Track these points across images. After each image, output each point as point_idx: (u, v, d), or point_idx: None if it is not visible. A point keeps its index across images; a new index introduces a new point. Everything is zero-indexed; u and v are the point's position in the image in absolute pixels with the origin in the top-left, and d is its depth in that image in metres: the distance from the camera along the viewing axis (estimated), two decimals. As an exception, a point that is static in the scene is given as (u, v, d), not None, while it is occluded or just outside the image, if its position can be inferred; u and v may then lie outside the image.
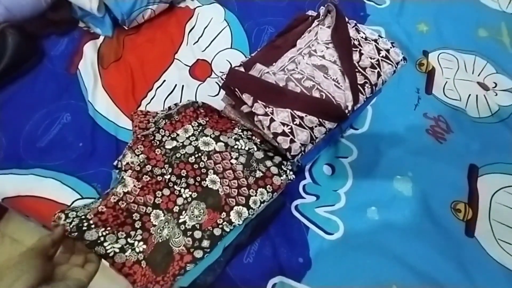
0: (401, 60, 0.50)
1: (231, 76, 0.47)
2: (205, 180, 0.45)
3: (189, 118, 0.52)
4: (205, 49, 0.73)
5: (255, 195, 0.44)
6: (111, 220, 0.42)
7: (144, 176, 0.46)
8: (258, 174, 0.45)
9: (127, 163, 0.46)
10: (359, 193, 0.57)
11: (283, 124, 0.44)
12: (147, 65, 0.70)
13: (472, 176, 0.59)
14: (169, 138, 0.50)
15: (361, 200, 0.56)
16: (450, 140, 0.63)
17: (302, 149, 0.45)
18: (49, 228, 0.58)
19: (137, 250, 0.42)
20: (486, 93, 0.70)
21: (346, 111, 0.46)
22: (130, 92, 0.66)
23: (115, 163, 0.48)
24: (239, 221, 0.42)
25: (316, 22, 0.55)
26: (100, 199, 0.44)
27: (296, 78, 0.47)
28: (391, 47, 0.49)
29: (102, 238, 0.40)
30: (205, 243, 0.41)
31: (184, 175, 0.45)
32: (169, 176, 0.46)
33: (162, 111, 0.57)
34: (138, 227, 0.43)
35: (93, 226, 0.40)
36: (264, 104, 0.45)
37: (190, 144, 0.48)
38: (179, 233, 0.42)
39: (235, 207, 0.43)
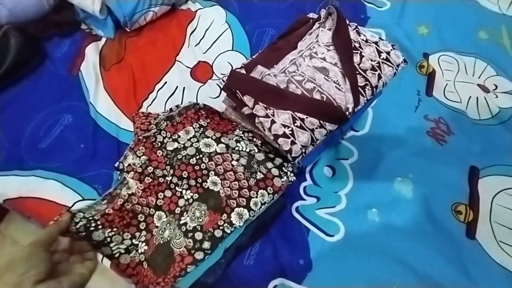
0: (402, 62, 0.50)
1: (232, 78, 0.48)
2: (206, 182, 0.45)
3: (190, 120, 0.52)
4: (206, 51, 0.73)
5: (256, 197, 0.44)
6: (117, 221, 0.42)
7: (146, 177, 0.46)
8: (259, 175, 0.45)
9: (129, 165, 0.46)
10: (360, 195, 0.57)
11: (284, 126, 0.44)
12: (148, 67, 0.70)
13: (473, 178, 0.59)
14: (171, 139, 0.50)
15: (361, 202, 0.56)
16: (450, 142, 0.63)
17: (303, 151, 0.45)
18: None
19: (139, 251, 0.42)
20: (486, 95, 0.70)
21: (347, 113, 0.46)
22: (132, 93, 0.66)
23: (116, 165, 0.49)
24: (240, 223, 0.42)
25: (317, 25, 0.55)
26: (105, 200, 0.44)
27: (297, 80, 0.47)
28: (391, 50, 0.50)
29: (108, 239, 0.41)
30: (206, 245, 0.41)
31: (185, 176, 0.46)
32: (170, 177, 0.46)
33: (163, 112, 0.57)
34: (142, 228, 0.43)
35: (100, 226, 0.40)
36: (265, 106, 0.45)
37: (191, 145, 0.48)
38: (180, 235, 0.42)
39: (236, 209, 0.43)
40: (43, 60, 0.69)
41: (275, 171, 0.46)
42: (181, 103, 0.62)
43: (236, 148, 0.48)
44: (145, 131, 0.51)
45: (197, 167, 0.46)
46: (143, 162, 0.47)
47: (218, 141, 0.48)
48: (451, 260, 0.52)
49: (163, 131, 0.51)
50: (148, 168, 0.47)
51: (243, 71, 0.50)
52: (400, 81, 0.69)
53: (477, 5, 0.84)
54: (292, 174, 0.47)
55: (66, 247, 0.38)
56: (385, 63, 0.49)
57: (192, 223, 0.42)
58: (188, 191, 0.45)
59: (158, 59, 0.72)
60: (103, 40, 0.73)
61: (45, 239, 0.35)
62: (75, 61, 0.69)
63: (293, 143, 0.44)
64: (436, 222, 0.55)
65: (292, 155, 0.44)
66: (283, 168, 0.47)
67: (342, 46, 0.49)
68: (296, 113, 0.45)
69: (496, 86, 0.71)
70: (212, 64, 0.72)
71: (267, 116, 0.45)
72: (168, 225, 0.43)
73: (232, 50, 0.74)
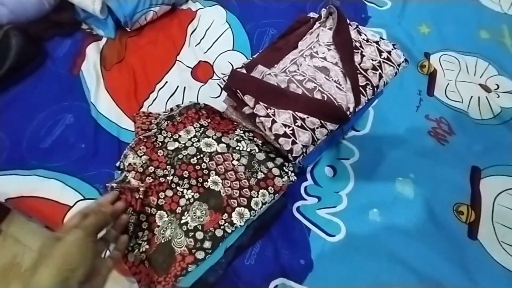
0: (403, 61, 0.50)
1: (232, 78, 0.48)
2: (207, 181, 0.45)
3: (191, 120, 0.52)
4: (207, 50, 0.73)
5: (257, 197, 0.44)
6: None
7: (147, 177, 0.46)
8: (260, 175, 0.45)
9: (130, 164, 0.46)
10: (361, 195, 0.57)
11: (285, 125, 0.44)
12: (149, 66, 0.70)
13: (475, 178, 0.59)
14: (171, 139, 0.50)
15: (362, 202, 0.56)
16: (452, 142, 0.63)
17: (304, 150, 0.45)
18: (52, 229, 0.58)
19: (141, 250, 0.42)
20: (488, 95, 0.70)
21: (348, 112, 0.46)
22: (132, 93, 0.66)
23: (117, 164, 0.49)
24: (240, 222, 0.42)
25: (317, 24, 0.55)
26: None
27: (298, 80, 0.47)
28: (392, 49, 0.49)
29: None
30: (207, 244, 0.41)
31: (186, 176, 0.46)
32: (171, 177, 0.46)
33: (164, 112, 0.57)
34: (145, 227, 0.43)
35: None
36: (265, 105, 0.45)
37: (192, 145, 0.48)
38: (181, 234, 0.42)
39: (237, 208, 0.43)
40: (44, 60, 0.69)
41: (276, 171, 0.46)
42: (182, 103, 0.62)
43: (237, 148, 0.48)
44: (146, 130, 0.51)
45: (198, 167, 0.46)
46: (144, 162, 0.47)
47: (219, 140, 0.48)
48: (453, 260, 0.51)
49: (164, 131, 0.51)
50: (149, 168, 0.47)
51: (244, 71, 0.50)
52: (401, 81, 0.69)
53: (479, 4, 0.84)
54: (293, 174, 0.47)
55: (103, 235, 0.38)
56: (386, 63, 0.49)
57: (193, 223, 0.42)
58: (189, 191, 0.45)
59: (158, 59, 0.72)
60: (104, 40, 0.73)
61: (94, 226, 0.34)
62: (76, 61, 0.70)
63: (294, 142, 0.44)
64: (438, 223, 0.55)
65: (293, 155, 0.44)
66: (284, 168, 0.47)
67: (343, 45, 0.49)
68: (296, 112, 0.45)
69: (498, 86, 0.71)
70: (213, 63, 0.72)
71: (267, 115, 0.45)
72: (169, 224, 0.44)
73: (232, 50, 0.74)
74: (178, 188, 0.45)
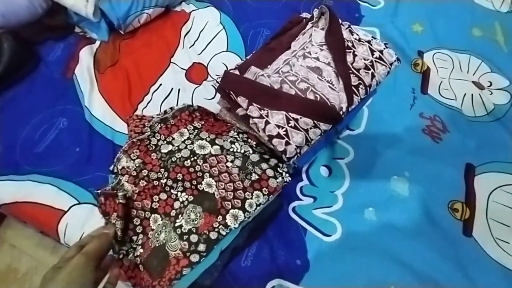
0: (395, 61, 0.50)
1: (225, 79, 0.48)
2: (201, 184, 0.45)
3: (185, 122, 0.52)
4: (201, 52, 0.73)
5: (251, 198, 0.44)
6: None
7: (141, 181, 0.46)
8: (254, 176, 0.45)
9: (123, 167, 0.46)
10: (356, 194, 0.57)
11: (278, 126, 0.44)
12: (143, 69, 0.70)
13: (469, 175, 0.59)
14: (165, 142, 0.50)
15: (358, 201, 0.56)
16: (446, 140, 0.63)
17: (298, 151, 0.45)
18: (47, 234, 0.58)
19: (136, 254, 0.42)
20: (481, 92, 0.70)
21: (341, 112, 0.46)
22: (127, 96, 0.66)
23: (111, 168, 0.48)
24: (235, 224, 0.42)
25: (310, 24, 0.55)
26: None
27: (291, 81, 0.47)
28: (384, 48, 0.50)
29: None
30: (201, 247, 0.41)
31: (180, 179, 0.46)
32: (165, 180, 0.46)
33: (157, 115, 0.57)
34: (139, 231, 0.43)
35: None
36: (259, 106, 0.45)
37: (185, 147, 0.48)
38: (175, 237, 0.42)
39: (231, 210, 0.43)
40: (37, 64, 0.69)
41: (270, 172, 0.46)
42: (177, 105, 0.61)
43: (231, 150, 0.48)
44: (139, 133, 0.51)
45: (191, 169, 0.46)
46: (137, 165, 0.47)
47: (212, 142, 0.48)
48: (448, 257, 0.52)
49: (157, 134, 0.50)
50: (142, 171, 0.47)
51: (237, 72, 0.50)
52: (395, 80, 0.69)
53: (471, 2, 0.84)
54: (287, 175, 0.47)
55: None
56: (378, 62, 0.49)
57: (187, 226, 0.42)
58: (183, 194, 0.45)
59: (152, 61, 0.72)
60: (97, 43, 0.73)
61: (98, 251, 0.36)
62: (69, 64, 0.69)
63: (287, 143, 0.44)
64: (433, 220, 0.55)
65: (287, 156, 0.44)
66: (278, 169, 0.47)
67: (335, 45, 0.49)
68: (290, 113, 0.45)
69: (491, 83, 0.71)
70: (207, 65, 0.72)
71: (261, 117, 0.45)
72: (163, 227, 0.43)
73: (226, 51, 0.74)
74: (172, 191, 0.45)
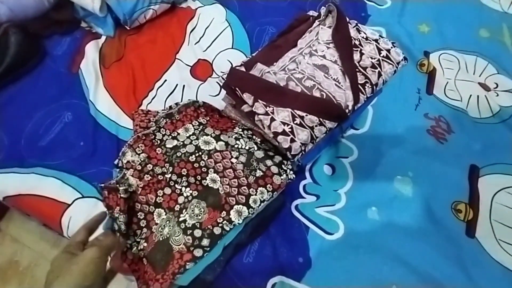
0: (402, 60, 0.50)
1: (232, 76, 0.48)
2: (206, 179, 0.45)
3: (190, 117, 0.52)
4: (206, 49, 0.73)
5: (255, 194, 0.44)
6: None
7: (146, 175, 0.46)
8: (258, 173, 0.45)
9: (128, 162, 0.46)
10: (360, 193, 0.57)
11: (284, 123, 0.44)
12: (148, 65, 0.70)
13: (473, 177, 0.59)
14: (170, 137, 0.50)
15: (361, 200, 0.56)
16: (451, 141, 0.63)
17: (303, 148, 0.45)
18: (50, 227, 0.58)
19: (139, 247, 0.42)
20: (487, 93, 0.70)
21: (347, 110, 0.46)
22: (132, 91, 0.66)
23: (115, 162, 0.49)
24: (239, 220, 0.42)
25: (317, 22, 0.55)
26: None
27: (297, 78, 0.47)
28: (391, 47, 0.49)
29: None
30: (205, 242, 0.41)
31: (184, 174, 0.46)
32: (170, 175, 0.46)
33: (163, 110, 0.57)
34: (143, 225, 0.43)
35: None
36: (264, 103, 0.45)
37: (190, 143, 0.48)
38: (179, 232, 0.42)
39: (235, 206, 0.43)
40: (43, 58, 0.69)
41: (274, 169, 0.46)
42: (181, 101, 0.61)
43: (236, 146, 0.48)
44: (145, 128, 0.51)
45: (196, 165, 0.46)
46: (142, 159, 0.47)
47: (217, 138, 0.48)
48: (451, 258, 0.52)
49: (162, 129, 0.51)
50: (147, 166, 0.47)
51: (243, 69, 0.50)
52: (401, 80, 0.69)
53: (478, 3, 0.84)
54: (291, 172, 0.47)
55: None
56: (385, 61, 0.49)
57: (191, 220, 0.42)
58: (188, 189, 0.45)
59: (158, 57, 0.72)
60: (103, 38, 0.73)
61: (114, 246, 0.36)
62: (75, 59, 0.69)
63: (292, 140, 0.44)
64: (436, 221, 0.55)
65: (292, 153, 0.44)
66: (283, 166, 0.47)
67: (342, 43, 0.49)
68: (295, 110, 0.45)
69: (497, 85, 0.71)
70: (212, 62, 0.72)
71: (266, 113, 0.45)
72: (167, 222, 0.44)
73: (232, 48, 0.74)
74: (176, 186, 0.45)
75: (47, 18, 0.71)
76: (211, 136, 0.49)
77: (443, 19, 0.80)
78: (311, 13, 0.58)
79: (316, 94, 0.46)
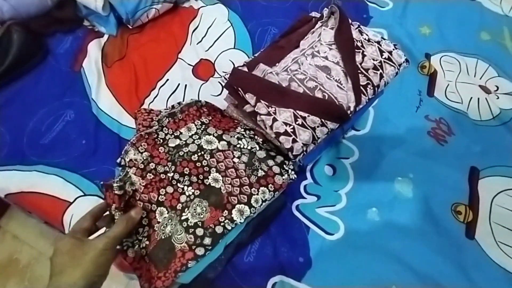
0: (404, 62, 0.50)
1: (234, 76, 0.48)
2: (208, 178, 0.45)
3: (192, 117, 0.52)
4: (209, 49, 0.74)
5: (257, 194, 0.44)
6: None
7: (148, 174, 0.46)
8: (260, 173, 0.46)
9: (131, 160, 0.46)
10: (360, 194, 0.57)
11: (286, 124, 0.44)
12: (150, 64, 0.71)
13: (473, 179, 0.59)
14: (173, 136, 0.50)
15: (362, 201, 0.57)
16: (451, 143, 0.63)
17: (304, 149, 0.45)
18: (51, 225, 0.58)
19: (141, 245, 0.42)
20: (487, 96, 0.70)
21: (348, 111, 0.46)
22: (134, 90, 0.66)
23: (118, 160, 0.49)
24: (240, 219, 0.43)
25: (319, 23, 0.55)
26: None
27: (299, 79, 0.48)
28: (393, 49, 0.50)
29: None
30: (207, 241, 0.41)
31: (187, 173, 0.46)
32: (172, 174, 0.46)
33: (165, 109, 0.57)
34: (145, 224, 0.44)
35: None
36: (266, 104, 0.45)
37: (193, 142, 0.48)
38: (181, 230, 0.42)
39: (237, 206, 0.43)
40: (46, 56, 0.69)
41: (276, 169, 0.46)
42: (183, 101, 0.62)
43: (238, 146, 0.48)
44: (147, 127, 0.51)
45: (198, 164, 0.46)
46: (145, 158, 0.47)
47: (219, 138, 0.49)
48: (450, 260, 0.52)
49: (165, 128, 0.51)
50: (150, 164, 0.47)
51: (245, 69, 0.50)
52: (402, 81, 0.69)
53: (480, 6, 0.84)
54: (293, 172, 0.47)
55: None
56: (387, 63, 0.49)
57: (193, 219, 0.43)
58: (190, 188, 0.45)
59: (160, 56, 0.72)
60: (106, 37, 0.73)
61: (124, 236, 0.37)
62: (77, 57, 0.70)
63: (294, 141, 0.44)
64: (436, 222, 0.55)
65: (293, 153, 0.45)
66: (284, 166, 0.47)
67: (345, 45, 0.49)
68: (297, 111, 0.45)
69: (498, 87, 0.71)
70: (214, 62, 0.72)
71: (268, 114, 0.45)
72: (169, 220, 0.44)
73: (234, 48, 0.74)
74: (178, 184, 0.46)
75: (49, 16, 0.71)
76: (214, 136, 0.49)
77: (444, 21, 0.81)
78: (313, 14, 0.58)
79: (318, 95, 0.46)
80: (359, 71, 0.48)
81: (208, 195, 0.44)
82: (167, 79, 0.69)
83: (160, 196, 0.45)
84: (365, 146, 0.62)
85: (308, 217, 0.55)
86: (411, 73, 0.71)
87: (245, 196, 0.44)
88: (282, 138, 0.44)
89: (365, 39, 0.50)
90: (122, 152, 0.48)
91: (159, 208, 0.45)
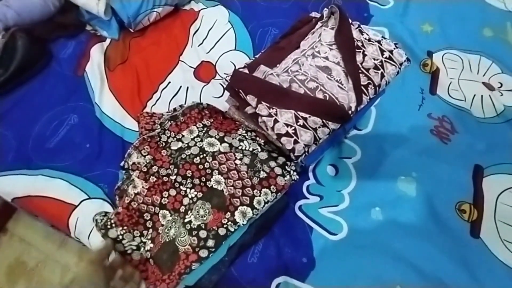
0: (405, 61, 0.50)
1: (235, 78, 0.48)
2: (210, 181, 0.46)
3: (194, 120, 0.53)
4: (210, 51, 0.74)
5: (259, 195, 0.45)
6: (126, 220, 0.44)
7: (151, 177, 0.47)
8: (262, 174, 0.46)
9: (134, 163, 0.47)
10: (363, 193, 0.57)
11: (287, 125, 0.44)
12: (152, 67, 0.71)
13: (477, 177, 0.59)
14: (175, 139, 0.51)
15: (365, 200, 0.57)
16: (454, 141, 0.63)
17: (306, 149, 0.45)
18: (57, 228, 0.59)
19: (146, 248, 0.43)
20: (491, 93, 0.69)
21: (350, 112, 0.46)
22: (136, 93, 0.67)
23: (121, 164, 0.49)
24: (243, 221, 0.43)
25: (319, 24, 0.55)
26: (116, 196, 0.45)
27: (300, 80, 0.48)
28: (394, 48, 0.50)
29: (120, 237, 0.42)
30: (210, 243, 0.41)
31: (189, 175, 0.46)
32: (175, 176, 0.47)
33: (167, 112, 0.58)
34: (149, 226, 0.44)
35: (114, 225, 0.42)
36: (268, 105, 0.46)
37: (195, 145, 0.49)
38: (184, 233, 0.42)
39: (240, 207, 0.44)
40: (49, 61, 0.70)
41: (278, 170, 0.46)
42: (185, 103, 0.62)
43: (240, 147, 0.49)
44: (150, 130, 0.52)
45: (201, 166, 0.47)
46: (148, 161, 0.48)
47: (221, 140, 0.49)
48: (455, 259, 0.52)
49: (167, 131, 0.51)
50: (153, 168, 0.47)
51: (246, 71, 0.51)
52: (404, 80, 0.69)
53: (482, 2, 0.83)
54: (295, 173, 0.47)
55: (121, 274, 0.42)
56: (388, 62, 0.49)
57: (196, 222, 0.43)
58: (192, 190, 0.46)
59: (162, 59, 0.72)
60: (108, 41, 0.74)
61: (99, 256, 0.39)
62: (81, 62, 0.70)
63: (296, 142, 0.44)
64: (440, 221, 0.55)
65: (295, 154, 0.45)
66: (286, 167, 0.47)
67: (345, 45, 0.49)
68: (299, 112, 0.45)
69: (501, 84, 0.71)
70: (215, 64, 0.72)
71: (270, 115, 0.45)
72: (173, 223, 0.44)
73: (235, 49, 0.74)
74: (181, 187, 0.46)
75: (52, 22, 0.72)
76: (215, 138, 0.49)
77: (446, 18, 0.80)
78: (313, 14, 0.58)
79: (319, 95, 0.46)
80: (360, 71, 0.48)
81: (211, 197, 0.45)
82: (169, 82, 0.69)
83: (163, 199, 0.46)
84: (367, 146, 0.62)
85: (311, 217, 0.55)
86: (413, 71, 0.71)
87: (248, 198, 0.44)
88: (283, 139, 0.44)
89: (365, 38, 0.50)
90: (125, 156, 0.49)
91: (162, 211, 0.45)
